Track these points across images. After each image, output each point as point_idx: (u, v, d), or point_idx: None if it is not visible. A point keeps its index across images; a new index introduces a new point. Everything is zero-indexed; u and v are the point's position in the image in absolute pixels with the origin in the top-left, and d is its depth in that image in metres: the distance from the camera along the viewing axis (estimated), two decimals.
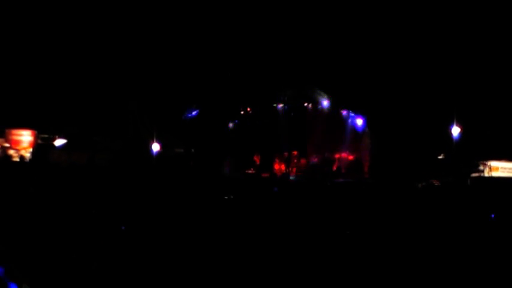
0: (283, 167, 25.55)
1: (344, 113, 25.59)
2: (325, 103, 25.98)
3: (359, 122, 25.55)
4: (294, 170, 25.33)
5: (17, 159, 24.13)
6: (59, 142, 25.70)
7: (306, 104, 26.61)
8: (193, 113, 25.75)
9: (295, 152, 25.81)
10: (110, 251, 7.91)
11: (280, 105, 26.56)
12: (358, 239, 9.15)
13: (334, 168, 25.15)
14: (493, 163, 22.15)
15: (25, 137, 25.85)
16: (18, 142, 25.64)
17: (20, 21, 24.73)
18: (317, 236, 9.24)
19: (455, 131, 22.59)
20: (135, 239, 8.56)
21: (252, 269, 7.28)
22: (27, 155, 24.74)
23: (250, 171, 24.92)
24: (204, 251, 7.97)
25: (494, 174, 21.91)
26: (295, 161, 25.74)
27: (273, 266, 7.37)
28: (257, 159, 25.89)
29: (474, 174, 21.52)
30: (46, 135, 26.09)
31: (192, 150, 26.12)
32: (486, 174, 21.80)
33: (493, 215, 11.35)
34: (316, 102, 26.31)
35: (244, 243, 8.56)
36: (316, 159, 25.27)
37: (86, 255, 7.46)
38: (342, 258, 7.95)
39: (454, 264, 7.71)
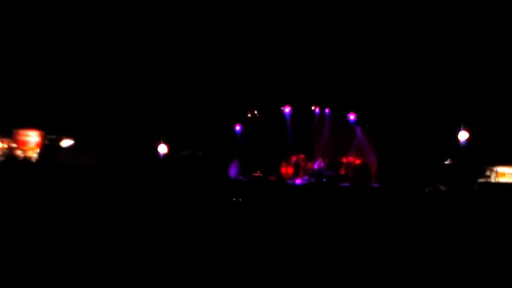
0: (290, 170, 25.55)
1: (351, 117, 25.49)
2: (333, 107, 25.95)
3: (366, 126, 25.48)
4: (301, 173, 25.31)
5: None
6: (66, 143, 25.77)
7: (313, 108, 26.59)
8: None
9: (302, 156, 25.79)
10: (116, 252, 7.94)
11: (288, 108, 26.52)
12: (362, 243, 9.13)
13: (342, 172, 25.13)
14: (500, 169, 22.08)
15: (32, 138, 25.88)
16: (25, 142, 25.69)
17: (28, 21, 24.80)
18: (321, 240, 9.23)
19: (463, 136, 22.45)
20: (141, 241, 8.58)
21: (255, 270, 7.30)
22: (34, 155, 24.80)
23: (257, 174, 24.91)
24: (209, 253, 7.99)
25: (501, 180, 21.85)
26: (302, 164, 25.70)
27: (275, 269, 7.39)
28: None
29: (481, 180, 21.46)
30: (53, 136, 26.14)
31: (199, 152, 26.15)
32: (493, 180, 21.74)
33: (499, 221, 11.32)
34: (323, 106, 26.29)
35: (249, 246, 8.57)
36: (322, 163, 25.22)
37: (90, 256, 7.49)
38: (345, 262, 7.95)
39: (460, 269, 7.70)
